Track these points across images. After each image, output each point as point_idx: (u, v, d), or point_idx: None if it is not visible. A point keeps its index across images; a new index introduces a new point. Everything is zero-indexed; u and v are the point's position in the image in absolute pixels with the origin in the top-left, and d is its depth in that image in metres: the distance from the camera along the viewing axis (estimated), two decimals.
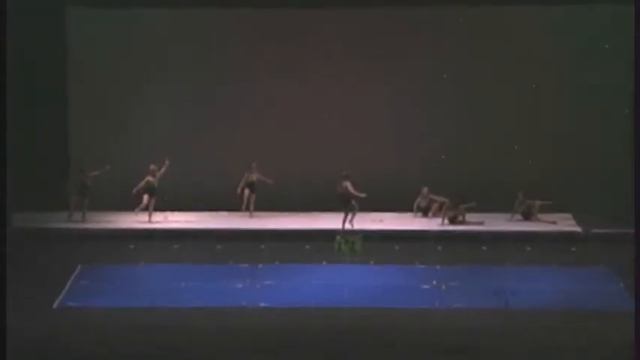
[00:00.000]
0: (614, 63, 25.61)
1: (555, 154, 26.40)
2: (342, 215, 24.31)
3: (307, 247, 23.57)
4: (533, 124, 26.46)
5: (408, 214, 25.95)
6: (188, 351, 16.96)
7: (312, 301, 19.68)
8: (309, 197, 25.80)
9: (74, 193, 25.35)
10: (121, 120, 26.57)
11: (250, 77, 26.36)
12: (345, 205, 24.20)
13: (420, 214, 26.03)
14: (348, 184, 24.17)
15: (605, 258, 22.46)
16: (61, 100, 26.37)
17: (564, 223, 25.33)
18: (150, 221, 25.16)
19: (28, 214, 24.85)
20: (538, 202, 25.53)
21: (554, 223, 25.27)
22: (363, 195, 24.07)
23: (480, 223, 25.08)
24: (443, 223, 25.15)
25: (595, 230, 24.64)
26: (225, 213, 25.90)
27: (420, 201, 26.04)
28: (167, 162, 25.11)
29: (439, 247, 23.69)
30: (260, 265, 22.11)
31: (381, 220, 25.29)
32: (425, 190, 25.92)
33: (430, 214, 25.83)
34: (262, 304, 19.56)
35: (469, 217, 25.25)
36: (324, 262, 22.51)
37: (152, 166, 25.15)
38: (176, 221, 25.42)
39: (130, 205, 25.11)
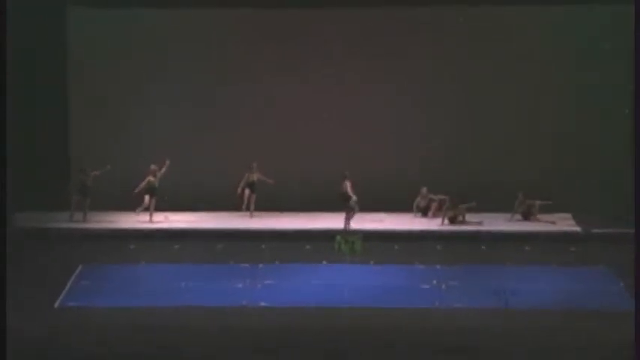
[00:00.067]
0: (614, 63, 25.62)
1: (555, 154, 26.41)
2: (342, 215, 24.31)
3: (307, 247, 23.58)
4: (533, 124, 26.47)
5: (408, 214, 25.96)
6: (188, 351, 16.98)
7: (313, 301, 19.70)
8: (309, 197, 25.81)
9: (75, 193, 25.36)
10: (121, 120, 26.58)
11: (250, 77, 26.37)
12: (344, 204, 24.21)
13: (419, 214, 26.04)
14: (346, 184, 24.18)
15: (604, 258, 22.47)
16: (61, 100, 26.38)
17: (564, 223, 25.34)
18: (150, 221, 25.17)
19: (28, 214, 24.87)
20: (538, 202, 25.54)
21: (553, 223, 25.29)
22: (354, 197, 24.05)
23: (480, 223, 25.09)
24: (443, 223, 25.16)
25: (595, 230, 24.65)
26: (225, 213, 25.90)
27: (420, 201, 26.06)
28: (167, 162, 25.13)
29: (439, 247, 23.69)
30: (260, 265, 22.13)
31: (381, 220, 25.30)
32: (424, 190, 25.94)
33: (430, 214, 25.85)
34: (262, 304, 19.58)
35: (469, 217, 25.26)
36: (324, 262, 22.51)
37: (152, 166, 25.17)
38: (177, 221, 25.42)
39: (131, 205, 25.13)
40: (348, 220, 24.23)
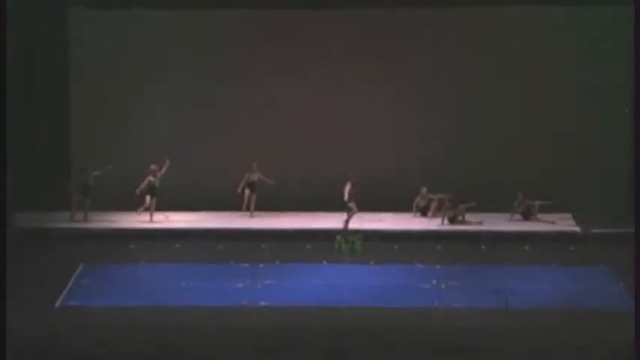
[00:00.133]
0: (614, 63, 25.63)
1: (555, 154, 26.42)
2: (342, 215, 24.31)
3: (308, 246, 23.59)
4: (533, 124, 26.48)
5: (408, 214, 25.97)
6: (189, 350, 16.99)
7: (313, 301, 19.72)
8: (310, 197, 25.83)
9: (76, 193, 25.37)
10: (121, 120, 26.60)
11: (250, 77, 26.38)
12: (343, 206, 24.23)
13: (419, 213, 26.05)
14: (346, 187, 24.18)
15: (604, 258, 22.48)
16: (61, 100, 26.38)
17: (563, 223, 25.35)
18: (151, 221, 25.18)
19: (28, 213, 24.89)
20: (538, 202, 25.55)
21: (553, 222, 25.29)
22: (345, 198, 24.03)
23: (480, 223, 25.10)
24: (443, 223, 25.17)
25: (594, 230, 24.65)
26: (225, 213, 25.91)
27: (419, 201, 26.07)
28: (168, 162, 25.15)
29: (439, 247, 23.71)
30: (261, 265, 22.15)
31: (381, 220, 25.31)
32: (424, 190, 25.96)
33: (430, 213, 25.86)
34: (263, 304, 19.60)
35: (469, 216, 25.27)
36: (324, 262, 22.53)
37: (153, 166, 25.19)
38: (177, 221, 25.44)
39: (131, 204, 25.14)
40: (344, 220, 24.19)
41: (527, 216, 25.62)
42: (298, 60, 26.43)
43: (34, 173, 25.55)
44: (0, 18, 17.80)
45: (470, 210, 25.24)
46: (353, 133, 26.37)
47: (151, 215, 25.20)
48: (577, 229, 24.94)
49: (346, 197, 24.10)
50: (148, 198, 25.09)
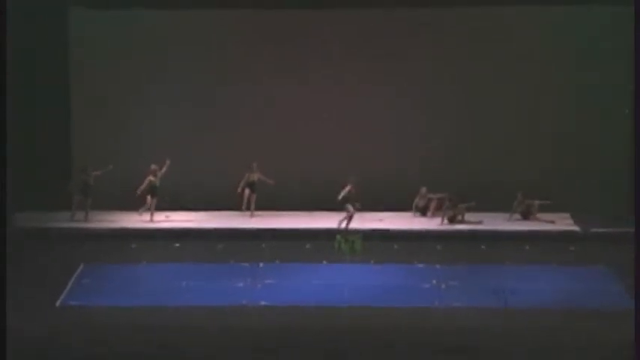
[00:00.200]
0: (614, 63, 25.64)
1: (555, 154, 26.42)
2: (341, 215, 24.33)
3: (308, 246, 23.61)
4: (533, 124, 26.48)
5: (408, 214, 25.98)
6: (189, 350, 17.00)
7: (313, 300, 19.74)
8: (309, 197, 25.83)
9: (77, 193, 25.38)
10: (121, 120, 26.61)
11: (250, 77, 26.39)
12: (342, 205, 24.27)
13: (418, 213, 26.06)
14: (346, 187, 24.18)
15: (604, 257, 22.49)
16: (61, 100, 26.39)
17: (563, 223, 25.35)
18: (152, 221, 25.19)
19: (29, 213, 24.90)
20: (537, 202, 25.56)
21: (552, 222, 25.30)
22: (339, 199, 24.03)
23: (480, 223, 25.11)
24: (442, 223, 25.18)
25: (594, 230, 24.66)
26: (225, 212, 25.92)
27: (418, 201, 26.08)
28: (168, 162, 25.16)
29: (439, 247, 23.72)
30: (261, 265, 22.16)
31: (380, 220, 25.32)
32: (423, 190, 25.97)
33: (429, 213, 25.86)
34: (263, 303, 19.61)
35: (468, 216, 25.28)
36: (324, 262, 22.55)
37: (153, 166, 25.20)
38: (177, 221, 25.45)
39: (132, 204, 25.15)
40: (346, 221, 24.20)
41: (526, 216, 25.63)
42: (298, 60, 26.44)
43: (34, 173, 25.56)
44: (0, 18, 17.82)
45: (469, 210, 25.26)
46: (353, 133, 26.38)
47: (152, 215, 25.21)
48: (576, 228, 24.95)
49: (339, 198, 24.09)
50: (148, 198, 25.09)
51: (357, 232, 23.83)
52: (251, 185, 25.78)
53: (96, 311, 19.15)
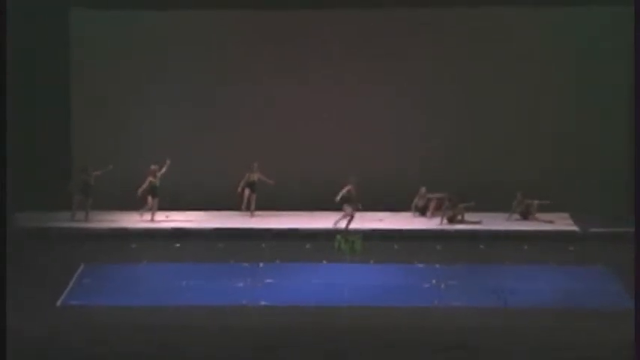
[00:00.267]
0: (614, 63, 25.66)
1: (555, 154, 26.44)
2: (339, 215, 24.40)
3: (308, 246, 23.62)
4: (533, 124, 26.50)
5: (408, 214, 25.99)
6: (189, 350, 16.99)
7: (313, 300, 19.75)
8: (309, 197, 25.85)
9: (77, 193, 25.40)
10: (121, 120, 26.63)
11: (250, 78, 26.41)
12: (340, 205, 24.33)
13: (417, 213, 26.07)
14: (345, 187, 24.18)
15: (603, 257, 22.50)
16: (61, 100, 26.40)
17: (562, 223, 25.36)
18: (152, 220, 25.21)
19: (29, 213, 24.92)
20: (536, 202, 25.57)
21: (552, 222, 25.31)
22: (337, 199, 24.04)
23: (479, 223, 25.12)
24: (442, 223, 25.19)
25: (592, 229, 24.67)
26: (225, 212, 25.94)
27: (418, 201, 26.09)
28: (168, 162, 25.18)
29: (438, 247, 23.73)
30: (261, 264, 22.18)
31: (380, 220, 25.34)
32: (423, 189, 25.98)
33: (429, 213, 25.87)
34: (263, 303, 19.61)
35: (468, 216, 25.30)
36: (324, 262, 22.56)
37: (153, 167, 25.22)
38: (177, 221, 25.46)
39: (132, 204, 25.17)
40: (342, 221, 24.19)
41: (525, 216, 25.64)
42: (298, 60, 26.46)
43: (34, 173, 25.59)
44: (0, 18, 17.85)
45: (468, 210, 25.27)
46: (353, 133, 26.40)
47: (152, 215, 25.22)
48: (575, 228, 24.96)
49: (338, 198, 24.11)
50: (149, 199, 25.10)
51: (357, 232, 23.84)
52: (251, 185, 25.80)
53: (96, 311, 19.16)
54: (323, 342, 17.38)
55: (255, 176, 25.74)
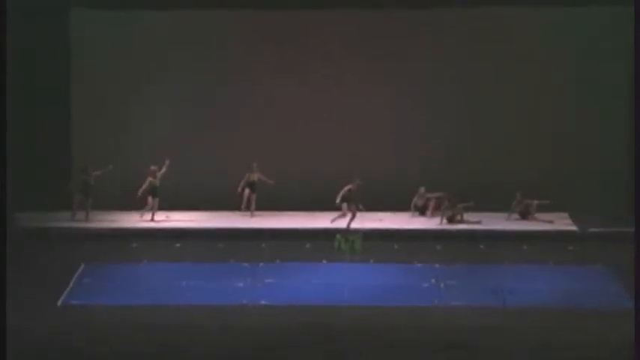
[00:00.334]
0: (614, 63, 25.66)
1: (555, 154, 26.44)
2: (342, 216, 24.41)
3: (308, 246, 23.63)
4: (533, 124, 26.50)
5: (408, 214, 25.99)
6: (189, 349, 17.01)
7: (313, 300, 19.78)
8: (309, 197, 25.85)
9: (77, 193, 25.40)
10: (121, 120, 26.63)
11: (250, 78, 26.42)
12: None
13: (416, 213, 26.08)
14: (345, 187, 24.20)
15: (602, 257, 22.51)
16: (61, 100, 26.41)
17: (561, 223, 25.37)
18: (152, 220, 25.22)
19: (29, 213, 24.92)
20: (535, 202, 25.57)
21: (551, 222, 25.32)
22: (337, 201, 24.04)
23: (479, 222, 25.13)
24: (441, 223, 25.20)
25: (592, 229, 24.67)
26: (225, 212, 25.94)
27: (417, 201, 26.10)
28: (168, 162, 25.19)
29: (438, 246, 23.74)
30: (261, 264, 22.19)
31: (380, 220, 25.35)
32: (422, 189, 25.98)
33: (428, 213, 25.88)
34: (263, 303, 19.63)
35: (468, 216, 25.30)
36: (324, 261, 22.58)
37: (152, 167, 25.23)
38: (177, 220, 25.47)
39: (132, 204, 25.19)
40: (344, 220, 24.20)
41: (525, 215, 25.64)
42: (298, 60, 26.46)
43: (34, 173, 25.59)
44: (0, 18, 17.86)
45: (468, 209, 25.28)
46: (353, 133, 26.40)
47: (153, 215, 25.24)
48: (575, 228, 24.97)
49: (338, 199, 24.11)
50: (149, 199, 25.11)
51: (357, 231, 23.85)
52: (251, 185, 25.80)
53: (97, 310, 19.18)
54: (323, 342, 17.38)
55: (255, 176, 25.75)
